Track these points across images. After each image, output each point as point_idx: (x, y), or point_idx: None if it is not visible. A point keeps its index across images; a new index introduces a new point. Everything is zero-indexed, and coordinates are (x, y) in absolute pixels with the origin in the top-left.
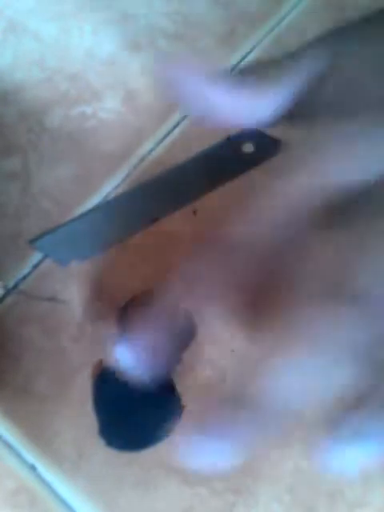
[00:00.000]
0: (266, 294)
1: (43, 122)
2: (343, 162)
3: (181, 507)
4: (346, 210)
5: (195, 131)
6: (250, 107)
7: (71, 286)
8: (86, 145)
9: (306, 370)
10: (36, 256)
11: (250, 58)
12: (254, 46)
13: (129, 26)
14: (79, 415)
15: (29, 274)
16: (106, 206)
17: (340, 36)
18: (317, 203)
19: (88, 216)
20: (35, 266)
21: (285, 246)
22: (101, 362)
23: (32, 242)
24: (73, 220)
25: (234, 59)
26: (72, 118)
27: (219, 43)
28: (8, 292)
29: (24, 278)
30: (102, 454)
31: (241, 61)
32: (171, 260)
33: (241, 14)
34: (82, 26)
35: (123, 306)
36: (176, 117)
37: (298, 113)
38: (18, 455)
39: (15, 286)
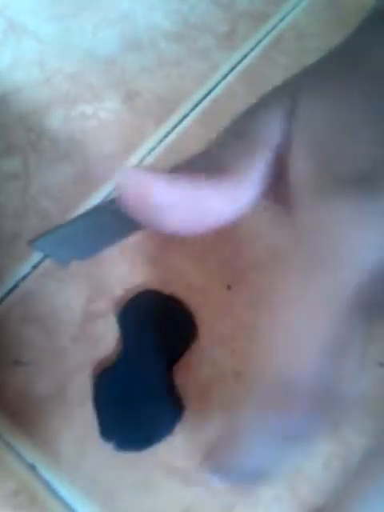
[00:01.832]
0: None
1: (43, 122)
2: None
3: (181, 507)
4: None
5: (195, 131)
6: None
7: (71, 286)
8: (86, 145)
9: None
10: (36, 256)
11: (251, 57)
12: (254, 46)
13: (129, 26)
14: (79, 415)
15: (29, 273)
16: (106, 206)
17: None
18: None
19: (88, 216)
20: (35, 266)
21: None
22: (101, 362)
23: (32, 242)
24: (73, 220)
25: (233, 59)
26: (72, 118)
27: (219, 43)
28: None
29: (24, 278)
30: (102, 453)
31: (241, 61)
32: (171, 260)
33: (241, 14)
34: (82, 25)
35: (123, 306)
36: (176, 117)
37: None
38: (18, 455)
39: (15, 286)
